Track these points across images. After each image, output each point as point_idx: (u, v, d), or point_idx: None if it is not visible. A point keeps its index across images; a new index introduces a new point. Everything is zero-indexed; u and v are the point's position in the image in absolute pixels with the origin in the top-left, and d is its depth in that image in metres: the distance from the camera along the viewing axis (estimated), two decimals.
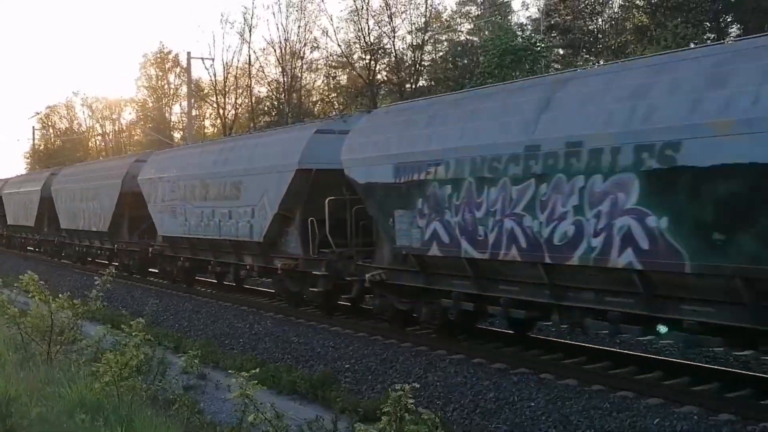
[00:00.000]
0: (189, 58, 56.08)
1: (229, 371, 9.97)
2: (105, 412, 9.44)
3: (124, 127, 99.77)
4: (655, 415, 10.83)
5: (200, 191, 23.62)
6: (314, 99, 69.20)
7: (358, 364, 15.02)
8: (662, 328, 11.71)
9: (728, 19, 41.45)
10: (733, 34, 40.04)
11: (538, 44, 45.14)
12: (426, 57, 61.63)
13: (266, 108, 68.43)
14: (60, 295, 13.70)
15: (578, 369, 13.44)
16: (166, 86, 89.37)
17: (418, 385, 8.49)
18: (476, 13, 63.78)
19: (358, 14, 60.33)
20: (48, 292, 13.36)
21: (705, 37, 39.08)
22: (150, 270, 30.22)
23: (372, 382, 13.94)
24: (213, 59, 66.39)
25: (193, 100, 62.40)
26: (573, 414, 11.25)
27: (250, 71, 66.66)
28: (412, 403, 7.76)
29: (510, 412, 11.74)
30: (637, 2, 46.56)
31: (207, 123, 79.73)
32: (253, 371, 9.20)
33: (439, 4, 69.90)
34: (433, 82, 58.10)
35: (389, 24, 59.66)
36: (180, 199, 24.92)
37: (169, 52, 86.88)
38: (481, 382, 13.04)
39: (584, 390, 12.25)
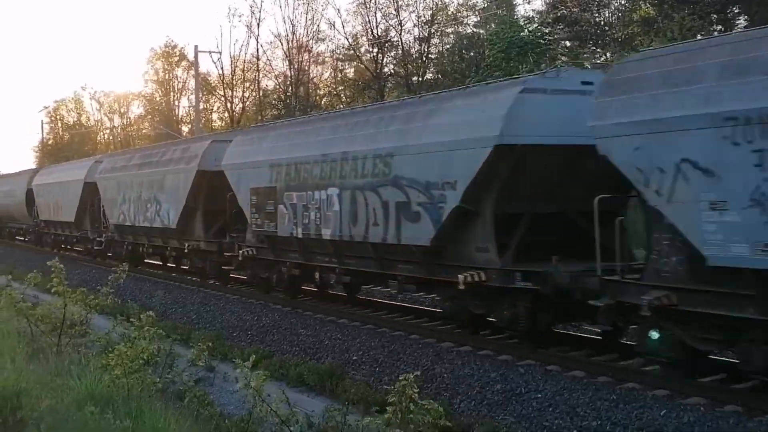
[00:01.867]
0: (196, 52, 56.03)
1: (235, 360, 9.96)
2: (114, 405, 9.50)
3: (132, 121, 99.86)
4: (662, 406, 10.88)
5: (320, 178, 18.32)
6: (321, 92, 69.18)
7: (365, 356, 15.08)
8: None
9: (735, 11, 41.31)
10: (740, 26, 39.96)
11: (545, 37, 45.05)
12: (433, 50, 61.56)
13: (273, 101, 68.45)
14: (77, 290, 13.85)
15: (585, 361, 13.48)
16: (173, 80, 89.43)
17: (419, 372, 8.55)
18: (483, 5, 63.60)
19: (365, 7, 60.34)
20: (67, 282, 13.47)
21: (712, 29, 38.99)
22: (233, 276, 25.52)
23: (380, 374, 13.99)
24: (220, 53, 66.36)
25: (200, 94, 62.38)
26: (580, 405, 11.30)
27: (257, 65, 66.72)
28: (416, 392, 7.83)
29: (517, 404, 11.80)
30: None
31: (215, 116, 79.78)
32: (252, 358, 9.20)
33: None
34: (440, 75, 58.01)
35: (396, 17, 59.65)
36: (289, 190, 19.57)
37: (176, 46, 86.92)
38: (488, 373, 13.09)
39: (591, 382, 12.30)
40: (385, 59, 61.41)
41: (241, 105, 69.09)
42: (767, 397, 10.98)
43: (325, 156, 18.11)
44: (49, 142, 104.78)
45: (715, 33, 37.64)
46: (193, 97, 63.84)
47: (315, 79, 68.92)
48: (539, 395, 11.92)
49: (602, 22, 52.57)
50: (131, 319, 12.05)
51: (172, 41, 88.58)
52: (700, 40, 13.87)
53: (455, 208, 14.45)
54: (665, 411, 10.66)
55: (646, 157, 11.38)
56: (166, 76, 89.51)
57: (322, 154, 18.29)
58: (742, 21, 41.20)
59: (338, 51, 65.86)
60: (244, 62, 67.57)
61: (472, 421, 11.39)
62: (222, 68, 68.43)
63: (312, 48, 65.91)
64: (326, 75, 70.40)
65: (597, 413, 10.96)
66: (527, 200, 14.42)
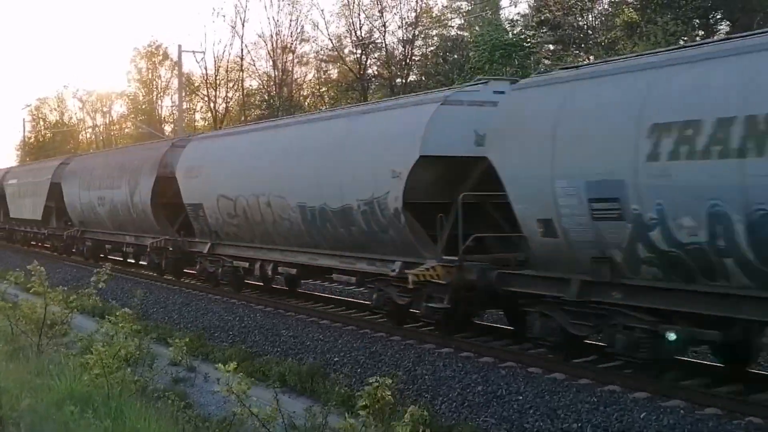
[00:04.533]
0: (180, 51, 56.05)
1: (216, 365, 9.94)
2: (94, 404, 9.47)
3: (115, 120, 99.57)
4: (642, 409, 10.91)
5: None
6: (305, 93, 69.17)
7: (347, 357, 15.07)
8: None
9: (717, 16, 41.51)
10: (722, 32, 40.15)
11: (528, 40, 45.18)
12: (416, 52, 61.68)
13: (257, 101, 68.39)
14: (56, 288, 13.80)
15: (566, 363, 13.51)
16: (156, 80, 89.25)
17: (390, 381, 8.52)
18: (467, 8, 63.76)
19: (349, 8, 60.39)
20: (47, 283, 13.42)
21: (694, 34, 39.18)
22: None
23: (361, 375, 13.98)
24: (204, 52, 66.36)
25: (184, 94, 62.26)
26: (560, 408, 11.32)
27: (241, 65, 66.64)
28: (389, 394, 7.81)
29: (498, 406, 11.81)
30: None
31: (198, 116, 79.67)
32: (233, 365, 9.13)
33: None
34: (423, 77, 58.09)
35: (380, 18, 59.72)
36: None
37: (159, 46, 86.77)
38: (469, 375, 13.10)
39: (572, 384, 12.32)
40: (368, 61, 61.48)
41: (224, 105, 68.99)
42: (747, 400, 11.05)
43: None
44: (31, 141, 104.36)
45: (698, 38, 37.83)
46: (176, 96, 63.76)
47: (299, 80, 68.95)
48: (520, 397, 11.94)
49: (585, 26, 52.76)
50: (108, 317, 12.03)
51: (156, 41, 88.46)
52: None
53: None
54: (645, 413, 10.70)
55: None
56: (150, 76, 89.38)
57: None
58: (724, 26, 41.40)
59: (322, 52, 65.96)
60: (228, 62, 67.57)
61: (452, 422, 11.40)
62: (205, 68, 68.39)
63: (296, 48, 65.97)
64: (310, 76, 70.50)
65: (577, 415, 10.99)
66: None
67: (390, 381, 8.28)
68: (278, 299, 21.79)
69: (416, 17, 60.14)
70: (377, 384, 7.90)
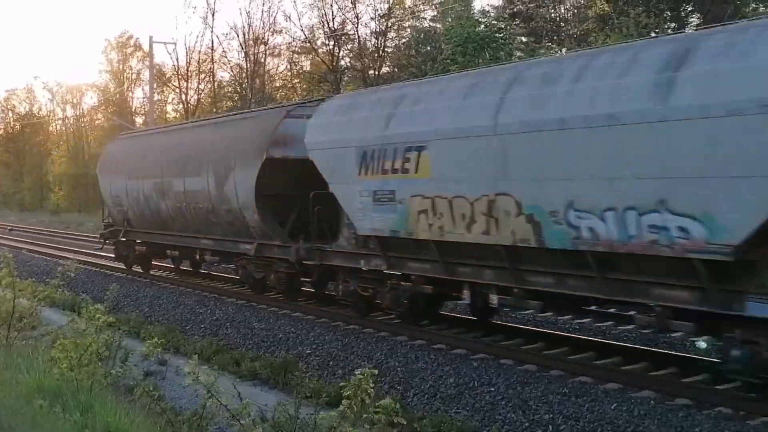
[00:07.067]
0: (151, 43, 55.74)
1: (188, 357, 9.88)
2: (64, 398, 9.38)
3: (86, 112, 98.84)
4: (613, 399, 10.97)
5: None
6: (277, 84, 68.92)
7: (319, 350, 15.05)
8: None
9: (689, 9, 41.72)
10: (693, 24, 40.37)
11: (500, 32, 45.18)
12: (389, 43, 61.56)
13: (229, 93, 68.04)
14: (27, 281, 13.68)
15: (538, 354, 13.56)
16: (127, 71, 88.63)
17: (376, 371, 8.50)
18: None
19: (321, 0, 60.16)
20: (16, 274, 13.28)
21: (666, 26, 39.35)
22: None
23: (333, 368, 13.98)
24: (175, 44, 66.00)
25: (155, 85, 61.89)
26: (532, 399, 11.36)
27: (212, 56, 66.26)
28: (372, 388, 7.81)
29: (470, 397, 11.84)
30: None
31: (169, 108, 79.21)
32: (195, 358, 9.08)
33: None
34: (396, 69, 58.01)
35: (353, 10, 59.54)
36: None
37: (131, 37, 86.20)
38: (441, 367, 13.12)
39: (543, 375, 12.38)
40: (341, 52, 61.32)
41: (196, 96, 68.57)
42: (717, 390, 11.13)
43: None
44: (0, 132, 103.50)
45: (669, 30, 38.01)
46: (147, 88, 63.34)
47: (271, 71, 68.67)
48: (492, 389, 11.97)
49: (558, 18, 52.90)
50: (81, 311, 11.93)
51: (127, 31, 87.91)
52: None
53: None
54: (616, 404, 10.76)
55: None
56: (121, 67, 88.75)
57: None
58: (695, 19, 41.62)
59: (294, 43, 65.70)
60: (200, 53, 67.14)
61: (424, 414, 11.41)
62: (177, 59, 67.93)
63: (268, 40, 65.65)
64: (282, 67, 70.21)
65: (549, 406, 11.04)
66: None
67: (375, 372, 8.23)
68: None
69: (389, 8, 60.03)
70: (362, 376, 7.87)
